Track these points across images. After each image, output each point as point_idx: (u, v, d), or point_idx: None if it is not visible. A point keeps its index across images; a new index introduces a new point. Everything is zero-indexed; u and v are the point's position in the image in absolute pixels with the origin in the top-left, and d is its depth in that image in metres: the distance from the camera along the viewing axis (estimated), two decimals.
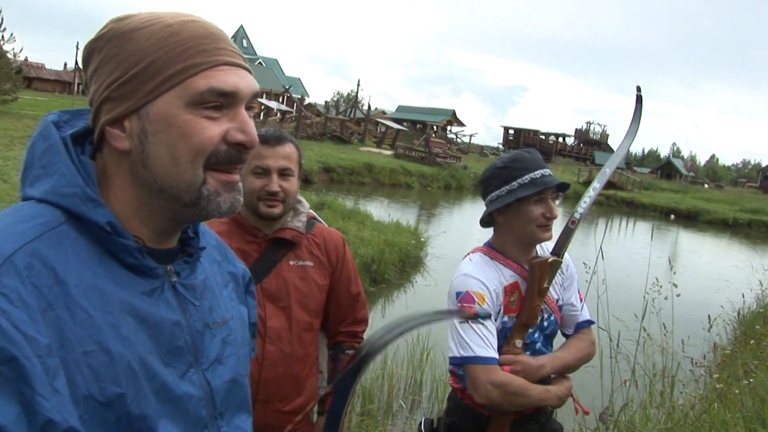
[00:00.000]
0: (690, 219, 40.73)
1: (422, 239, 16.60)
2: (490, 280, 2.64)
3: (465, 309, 1.84)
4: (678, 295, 5.92)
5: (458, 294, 2.63)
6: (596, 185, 2.76)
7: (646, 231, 31.86)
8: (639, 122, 2.81)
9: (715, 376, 6.23)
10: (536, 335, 2.73)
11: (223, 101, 1.17)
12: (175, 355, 1.20)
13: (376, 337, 1.30)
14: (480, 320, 2.38)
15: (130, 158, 1.17)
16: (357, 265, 3.05)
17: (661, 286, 5.81)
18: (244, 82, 1.19)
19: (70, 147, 1.16)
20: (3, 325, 0.95)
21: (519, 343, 2.62)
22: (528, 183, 2.62)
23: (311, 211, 2.98)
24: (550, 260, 2.63)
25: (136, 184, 1.18)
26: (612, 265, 6.29)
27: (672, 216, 41.34)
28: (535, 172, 2.64)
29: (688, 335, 6.52)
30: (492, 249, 2.77)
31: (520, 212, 2.65)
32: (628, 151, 2.99)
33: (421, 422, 2.91)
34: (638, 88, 2.82)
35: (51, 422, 0.97)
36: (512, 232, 2.71)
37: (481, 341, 2.54)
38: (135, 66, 1.14)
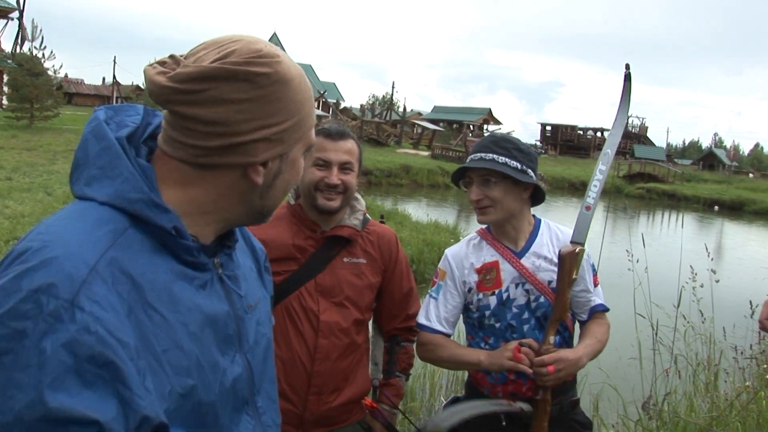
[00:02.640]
0: (735, 210, 39.99)
1: (461, 237, 16.50)
2: (463, 259, 2.82)
3: (511, 404, 1.96)
4: (717, 281, 5.83)
5: (437, 267, 2.93)
6: (602, 167, 2.73)
7: (689, 223, 31.35)
8: (629, 99, 2.81)
9: (764, 366, 6.11)
10: (525, 315, 2.73)
11: None
12: (227, 343, 1.32)
13: (438, 420, 1.42)
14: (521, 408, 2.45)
15: (251, 188, 1.31)
16: None
17: (696, 274, 5.73)
18: None
19: (128, 150, 1.23)
20: (100, 332, 1.03)
21: (552, 339, 2.62)
22: (457, 170, 2.80)
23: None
24: (577, 250, 2.63)
25: (241, 206, 1.33)
26: (653, 256, 6.22)
27: (716, 207, 40.65)
28: (468, 158, 2.74)
29: (734, 324, 6.41)
30: (486, 230, 2.86)
31: (468, 196, 2.78)
32: (632, 134, 2.97)
33: (443, 403, 2.95)
34: (627, 66, 2.82)
35: (146, 418, 1.06)
36: None
37: (429, 314, 2.84)
38: (294, 116, 1.29)
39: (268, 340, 1.50)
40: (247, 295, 1.43)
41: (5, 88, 37.49)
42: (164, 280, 1.19)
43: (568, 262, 2.60)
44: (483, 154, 2.65)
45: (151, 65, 1.24)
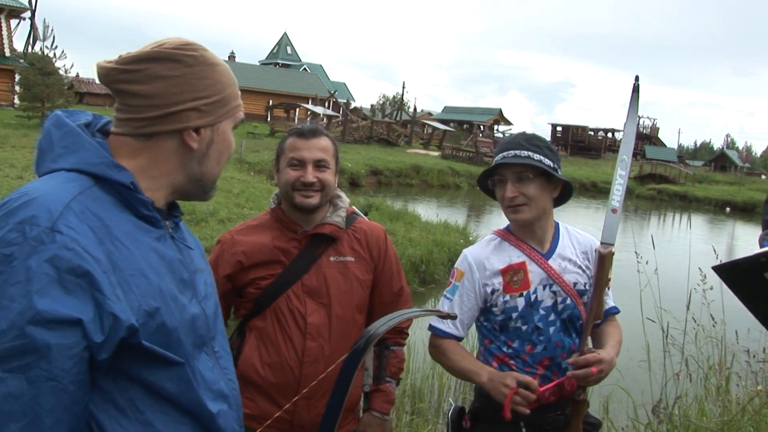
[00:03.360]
0: (747, 212, 39.66)
1: (471, 238, 16.52)
2: (484, 260, 2.77)
3: (441, 312, 1.99)
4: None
5: (453, 264, 2.89)
6: (621, 172, 2.71)
7: (700, 225, 31.20)
8: (637, 109, 2.81)
9: None
10: (552, 317, 2.70)
11: None
12: (184, 285, 1.56)
13: (374, 328, 1.60)
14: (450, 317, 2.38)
15: (189, 154, 1.59)
16: (405, 265, 3.05)
17: (705, 276, 5.67)
18: None
19: (86, 131, 1.51)
20: (77, 249, 1.28)
21: (589, 341, 2.63)
22: (488, 168, 2.77)
23: (352, 206, 2.99)
24: (612, 251, 2.61)
25: (181, 172, 1.60)
26: (663, 258, 6.17)
27: (728, 209, 40.42)
28: (500, 154, 2.70)
29: (748, 328, 6.33)
30: (507, 231, 2.83)
31: (497, 195, 2.76)
32: (642, 135, 2.96)
33: (449, 409, 2.94)
34: (636, 78, 2.81)
35: (117, 318, 1.31)
36: None
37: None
38: (219, 93, 1.60)
39: (216, 300, 1.74)
40: (194, 258, 1.69)
41: (17, 88, 37.75)
42: (127, 225, 1.44)
43: (608, 261, 2.60)
44: (517, 151, 2.64)
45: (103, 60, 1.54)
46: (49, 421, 1.22)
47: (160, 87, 1.51)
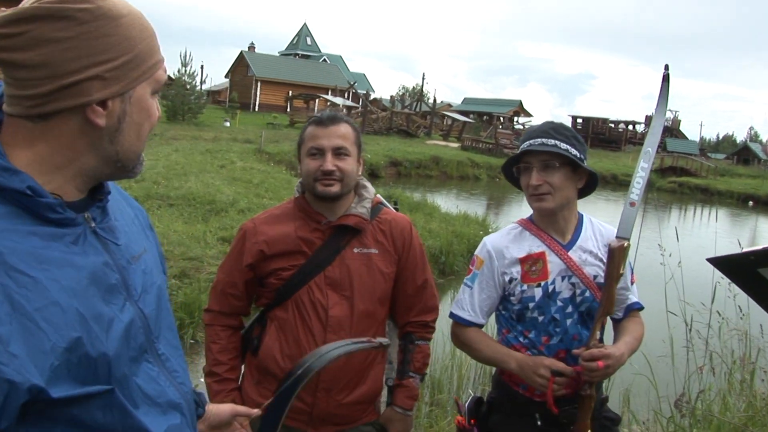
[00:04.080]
0: None
1: (490, 230, 16.47)
2: (503, 249, 2.76)
3: (372, 342, 1.93)
4: None
5: (472, 255, 2.87)
6: (644, 165, 2.68)
7: (722, 218, 30.92)
8: (667, 99, 2.77)
9: None
10: (569, 309, 2.67)
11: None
12: (112, 293, 1.32)
13: (306, 362, 1.47)
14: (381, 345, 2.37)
15: (97, 133, 1.29)
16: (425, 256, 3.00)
17: None
18: None
19: None
20: None
21: (599, 335, 2.58)
22: (514, 155, 2.76)
23: (378, 196, 2.94)
24: (625, 245, 2.57)
25: (92, 155, 1.31)
26: (685, 251, 6.10)
27: (750, 203, 39.98)
28: (527, 142, 2.67)
29: None
30: (529, 220, 2.82)
31: (522, 183, 2.73)
32: (663, 128, 2.93)
33: (467, 399, 2.92)
34: (666, 67, 2.76)
35: (13, 383, 1.07)
36: None
37: (464, 304, 2.81)
38: (127, 53, 1.27)
39: (159, 288, 1.51)
40: (128, 245, 1.44)
41: None
42: (29, 244, 1.18)
43: (618, 256, 2.56)
44: (544, 140, 2.61)
45: None
46: None
47: (48, 53, 1.19)
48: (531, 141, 2.64)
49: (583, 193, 2.77)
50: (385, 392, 2.95)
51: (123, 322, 1.32)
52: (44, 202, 1.21)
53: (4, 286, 1.11)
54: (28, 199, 1.19)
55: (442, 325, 3.01)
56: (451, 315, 2.86)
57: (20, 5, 1.20)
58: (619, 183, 40.11)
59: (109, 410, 1.26)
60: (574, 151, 2.62)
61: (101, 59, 1.24)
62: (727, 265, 1.79)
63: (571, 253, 2.69)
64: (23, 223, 1.19)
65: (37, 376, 1.11)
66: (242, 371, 2.89)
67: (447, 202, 21.93)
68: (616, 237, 2.61)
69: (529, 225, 2.79)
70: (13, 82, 1.23)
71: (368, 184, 2.90)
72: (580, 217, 2.80)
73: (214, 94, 71.50)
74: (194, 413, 1.55)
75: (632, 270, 2.84)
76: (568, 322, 2.67)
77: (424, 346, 2.94)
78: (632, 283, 2.84)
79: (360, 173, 2.80)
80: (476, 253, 2.85)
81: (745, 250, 1.72)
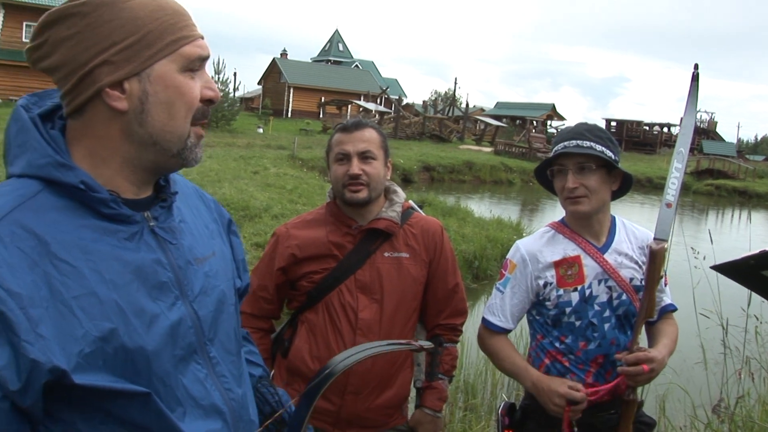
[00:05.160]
0: None
1: (524, 234, 16.36)
2: (537, 253, 2.72)
3: (413, 344, 1.90)
4: None
5: (504, 259, 2.82)
6: (678, 165, 2.63)
7: (761, 221, 30.36)
8: (696, 99, 2.72)
9: None
10: (607, 313, 2.64)
11: (200, 65, 1.40)
12: (161, 290, 1.36)
13: (339, 359, 1.44)
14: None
15: (125, 118, 1.33)
16: (458, 261, 3.01)
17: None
18: (208, 50, 1.43)
19: (39, 124, 1.32)
20: None
21: (639, 339, 2.56)
22: (548, 158, 2.70)
23: (409, 201, 2.96)
24: (665, 247, 2.54)
25: (127, 141, 1.35)
26: (720, 254, 6.01)
27: None
28: (561, 143, 2.63)
29: None
30: (562, 223, 2.78)
31: (556, 186, 2.69)
32: (699, 129, 2.90)
33: (500, 405, 2.90)
34: (695, 66, 2.73)
35: (36, 362, 1.14)
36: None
37: (495, 308, 2.78)
38: (134, 33, 1.30)
39: (222, 293, 1.54)
40: (192, 247, 1.48)
41: None
42: (78, 236, 1.26)
43: (659, 258, 2.52)
44: (579, 141, 2.58)
45: None
46: None
47: (64, 52, 1.29)
48: (565, 143, 2.61)
49: (616, 195, 2.73)
50: (412, 394, 2.96)
51: (169, 319, 1.35)
52: (97, 197, 1.28)
53: (47, 273, 1.19)
54: (82, 194, 1.27)
55: (476, 330, 3.01)
56: (483, 321, 2.84)
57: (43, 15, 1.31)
58: (654, 186, 39.60)
59: (146, 413, 1.29)
60: (609, 153, 2.59)
61: (106, 45, 1.29)
62: (731, 271, 1.78)
63: (606, 256, 2.66)
64: (79, 216, 1.28)
65: (61, 359, 1.17)
66: (272, 373, 2.92)
67: (480, 207, 21.83)
68: (654, 239, 2.57)
69: (562, 228, 2.76)
70: (56, 86, 1.34)
71: (398, 189, 2.93)
72: (613, 220, 2.77)
73: (247, 101, 71.95)
74: (240, 420, 1.54)
75: (666, 272, 2.80)
76: (606, 326, 2.64)
77: (452, 349, 2.97)
78: (665, 285, 2.80)
79: (388, 177, 2.83)
80: (509, 257, 2.81)
81: (743, 255, 1.71)
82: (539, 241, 2.77)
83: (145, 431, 1.30)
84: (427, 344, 1.68)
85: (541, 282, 2.70)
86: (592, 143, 2.57)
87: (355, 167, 2.68)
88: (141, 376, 1.28)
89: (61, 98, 1.34)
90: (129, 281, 1.30)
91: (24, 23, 47.03)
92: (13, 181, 1.29)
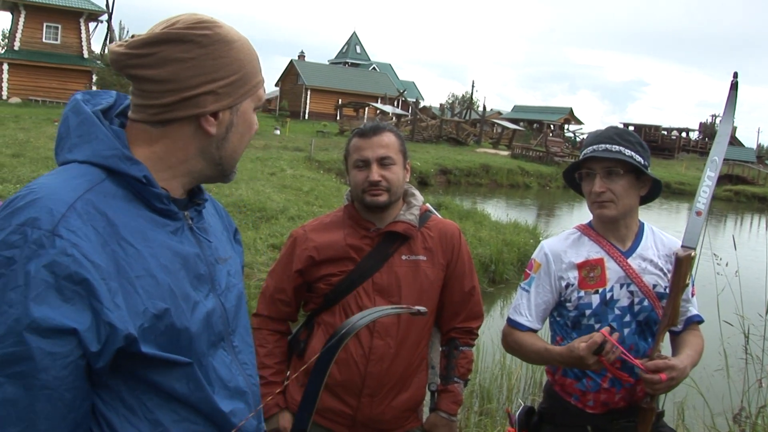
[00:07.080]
0: None
1: (541, 238, 16.28)
2: (561, 253, 2.71)
3: (411, 308, 1.91)
4: None
5: (526, 261, 2.84)
6: (710, 173, 2.60)
7: None
8: (735, 107, 2.69)
9: None
10: (627, 318, 2.60)
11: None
12: (199, 281, 1.52)
13: (354, 320, 1.62)
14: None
15: (208, 140, 1.52)
16: (475, 265, 2.98)
17: None
18: None
19: (102, 119, 1.45)
20: (76, 255, 1.24)
21: (661, 346, 2.53)
22: (576, 161, 2.68)
23: (427, 204, 2.96)
24: (692, 255, 2.51)
25: (200, 158, 1.54)
26: (743, 262, 5.95)
27: None
28: (590, 147, 2.61)
29: None
30: (588, 226, 2.77)
31: (584, 189, 2.68)
32: (735, 138, 2.87)
33: (517, 409, 2.89)
34: (735, 75, 2.69)
35: (114, 328, 1.27)
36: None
37: (521, 308, 2.77)
38: (236, 72, 1.50)
39: (240, 291, 1.70)
40: (217, 248, 1.64)
41: (94, 88, 38.86)
42: (137, 221, 1.40)
43: (685, 265, 2.49)
44: (608, 146, 2.56)
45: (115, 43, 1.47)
46: (44, 427, 1.23)
47: (173, 71, 1.43)
48: (594, 147, 2.59)
49: (644, 200, 2.71)
50: (427, 398, 2.95)
51: (206, 307, 1.51)
52: (155, 192, 1.43)
53: (114, 252, 1.32)
54: (142, 187, 1.41)
55: (492, 334, 2.98)
56: (509, 321, 2.82)
57: (150, 30, 1.45)
58: (673, 191, 39.36)
59: (186, 382, 1.44)
60: (638, 158, 2.56)
61: (216, 77, 1.47)
62: None
63: (630, 261, 2.64)
64: (135, 207, 1.41)
65: (133, 328, 1.30)
66: (288, 375, 2.92)
67: (497, 211, 21.78)
68: (682, 246, 2.55)
69: (588, 231, 2.74)
70: (141, 93, 1.46)
71: (416, 192, 2.92)
72: (641, 225, 2.74)
73: (264, 103, 72.11)
74: (259, 404, 1.68)
75: (693, 282, 2.75)
76: (626, 331, 2.60)
77: (468, 352, 2.95)
78: (692, 295, 2.75)
79: (407, 180, 2.82)
80: (533, 256, 2.81)
81: None
82: (564, 242, 2.76)
83: (183, 402, 1.45)
84: (423, 309, 1.86)
85: (564, 283, 2.68)
86: (621, 147, 2.55)
87: (375, 174, 2.67)
88: (183, 354, 1.43)
89: (143, 106, 1.47)
90: (178, 269, 1.45)
91: (44, 24, 47.45)
92: (77, 166, 1.39)
